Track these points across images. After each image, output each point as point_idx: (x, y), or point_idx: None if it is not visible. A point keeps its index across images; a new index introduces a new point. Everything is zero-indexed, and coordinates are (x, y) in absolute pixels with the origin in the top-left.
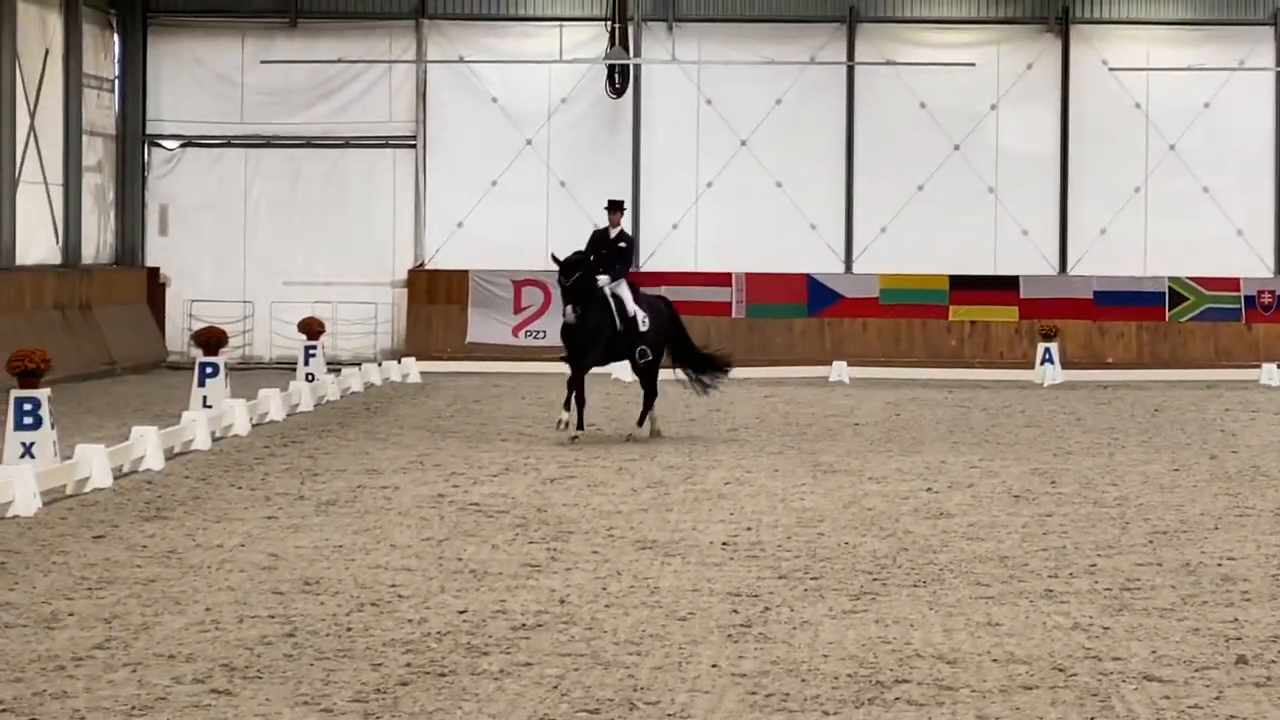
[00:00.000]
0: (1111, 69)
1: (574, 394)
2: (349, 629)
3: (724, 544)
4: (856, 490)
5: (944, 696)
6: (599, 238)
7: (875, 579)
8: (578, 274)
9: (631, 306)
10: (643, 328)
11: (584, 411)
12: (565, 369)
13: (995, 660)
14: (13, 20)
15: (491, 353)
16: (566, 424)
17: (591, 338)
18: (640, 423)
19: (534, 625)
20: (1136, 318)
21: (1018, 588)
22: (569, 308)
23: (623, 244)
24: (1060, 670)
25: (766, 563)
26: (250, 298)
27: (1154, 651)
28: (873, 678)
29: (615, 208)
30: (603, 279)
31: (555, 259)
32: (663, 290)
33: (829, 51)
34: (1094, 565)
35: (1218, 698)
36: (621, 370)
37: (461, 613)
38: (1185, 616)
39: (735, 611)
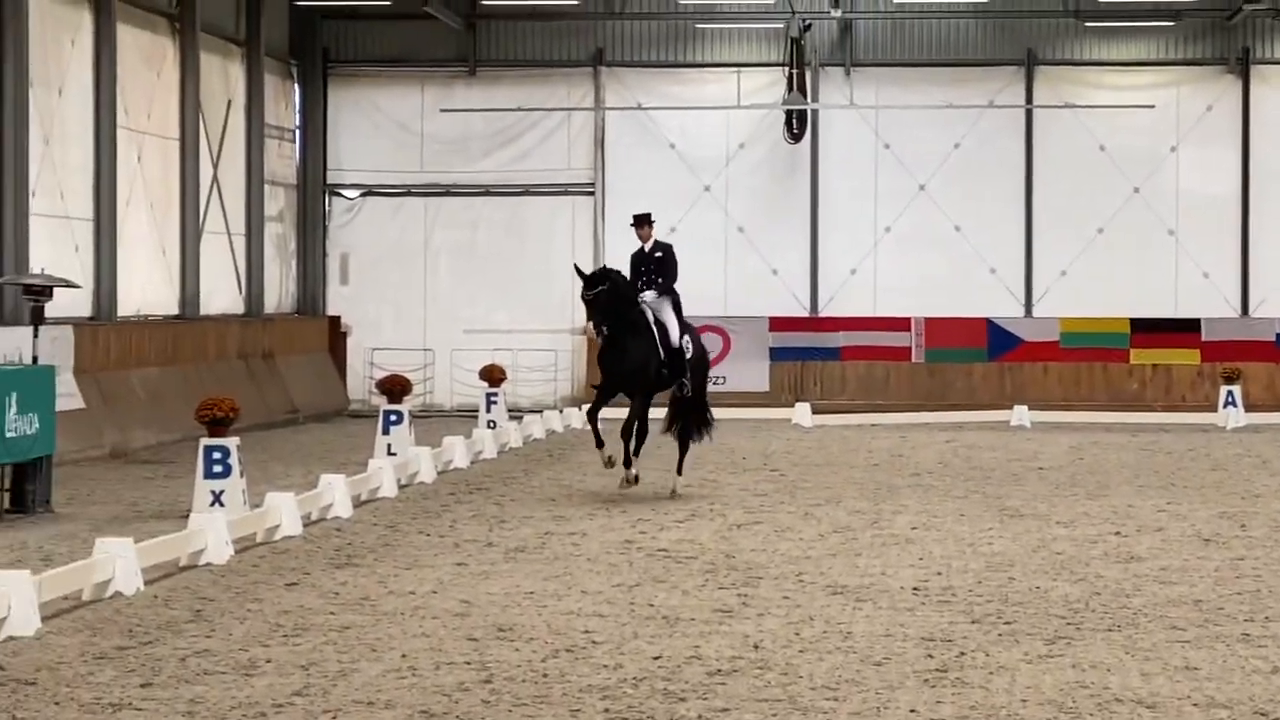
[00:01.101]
0: None
1: (596, 416)
2: (545, 675)
3: (915, 589)
4: (1044, 534)
5: None
6: (635, 259)
7: (1069, 623)
8: (600, 287)
9: (675, 334)
10: (687, 355)
11: (600, 432)
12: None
13: (1195, 704)
14: (195, 72)
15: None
16: (610, 460)
17: (635, 366)
18: (680, 470)
19: (729, 671)
20: None
21: (1214, 631)
22: (597, 325)
23: (659, 254)
24: (1263, 715)
25: (958, 607)
26: (430, 345)
27: None
28: None
29: (640, 222)
30: (648, 295)
31: (578, 270)
32: (840, 336)
33: (1007, 95)
34: None
35: None
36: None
37: (656, 658)
38: None
39: (930, 656)
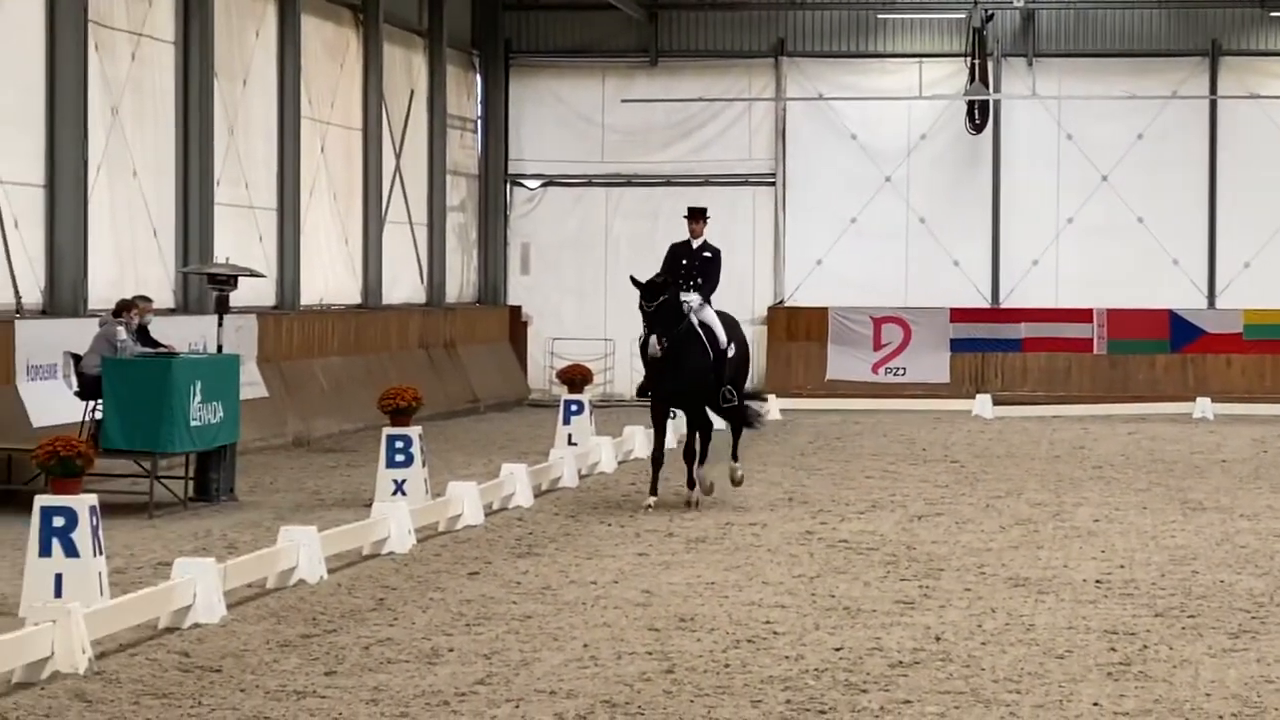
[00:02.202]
0: None
1: (662, 459)
2: (727, 665)
3: (1097, 582)
4: (1228, 527)
5: None
6: (678, 251)
7: (1254, 617)
8: (663, 297)
9: (723, 336)
10: (730, 356)
11: (660, 472)
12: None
13: None
14: (379, 63)
15: (851, 389)
16: (651, 507)
17: (693, 380)
18: (735, 456)
19: (911, 663)
20: None
21: None
22: (653, 338)
23: (708, 254)
24: None
25: (1141, 600)
26: (611, 335)
27: None
28: (1258, 716)
29: (696, 216)
30: (691, 297)
31: (635, 281)
32: (1021, 327)
33: (1191, 85)
34: None
35: None
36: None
37: (837, 649)
38: None
39: (1113, 649)
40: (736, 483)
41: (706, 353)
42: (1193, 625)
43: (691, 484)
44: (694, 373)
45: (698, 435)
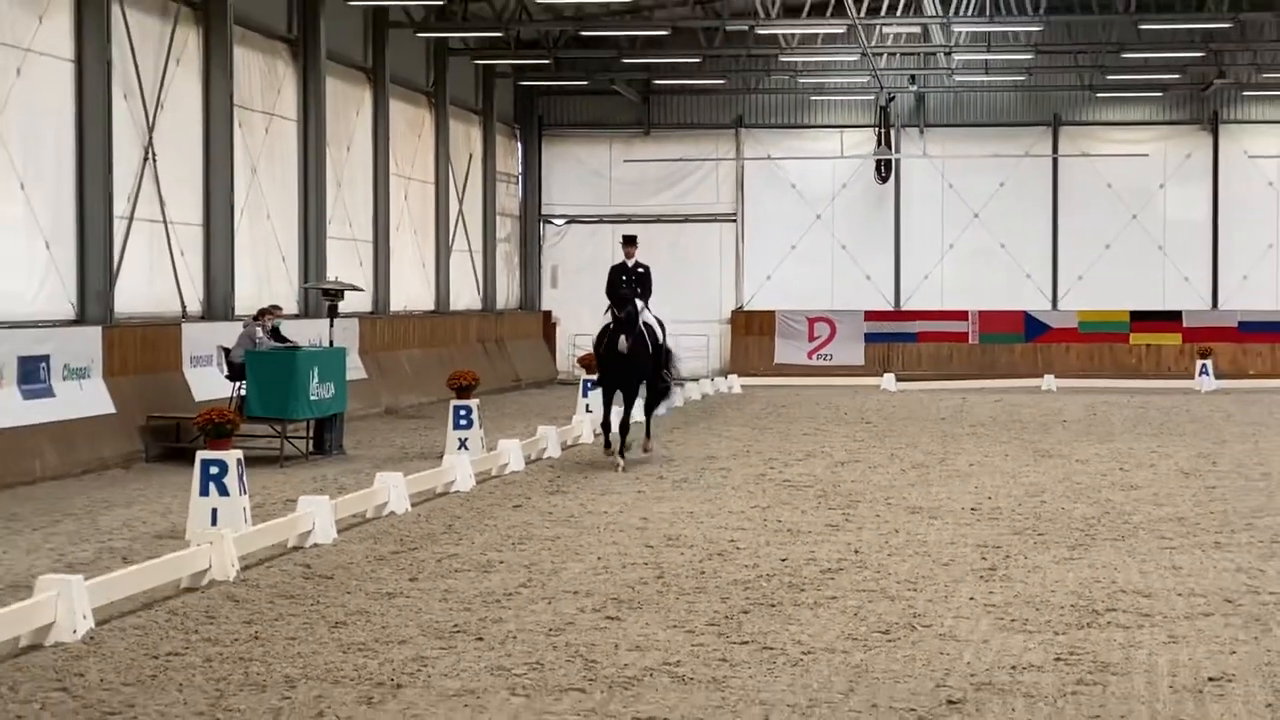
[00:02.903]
0: (1251, 156)
1: (610, 424)
2: (702, 572)
3: (972, 509)
4: (1067, 469)
5: (1143, 621)
6: (619, 270)
7: (1086, 534)
8: (629, 308)
9: (660, 334)
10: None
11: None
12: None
13: (1180, 594)
14: (446, 134)
15: (792, 371)
16: (620, 464)
17: (638, 370)
18: (648, 436)
19: (836, 569)
20: (1271, 340)
21: (1193, 540)
22: (622, 337)
23: (641, 270)
24: (1229, 601)
25: (1004, 523)
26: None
27: None
28: (1089, 607)
29: (630, 242)
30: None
31: (610, 295)
32: (916, 324)
33: (1039, 147)
34: (1249, 524)
35: None
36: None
37: (783, 560)
38: None
39: (984, 559)
40: (647, 450)
41: (647, 347)
42: (1042, 541)
43: (622, 451)
44: (643, 365)
45: (630, 410)
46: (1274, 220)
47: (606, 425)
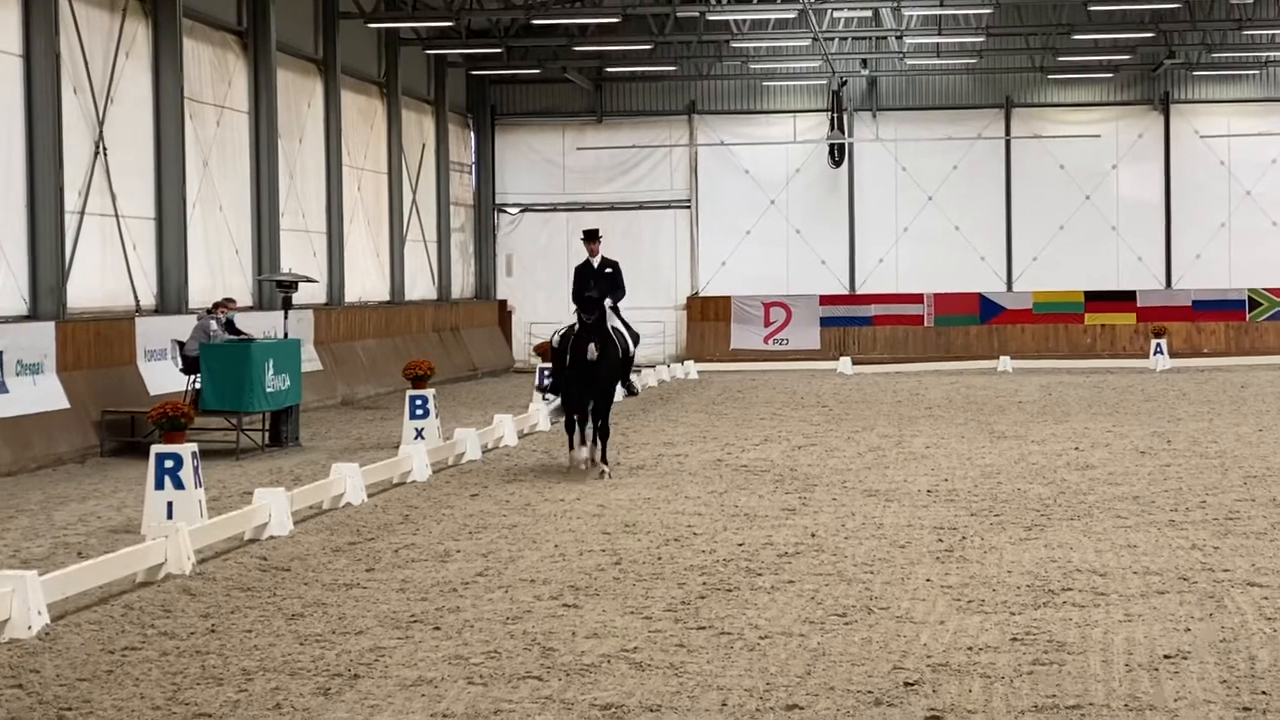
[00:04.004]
0: (1202, 136)
1: (579, 429)
2: (659, 558)
3: (928, 491)
4: (1023, 450)
5: (1098, 600)
6: (584, 272)
7: (1042, 515)
8: (598, 312)
9: (631, 345)
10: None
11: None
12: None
13: (1135, 573)
14: (398, 124)
15: (748, 356)
16: (585, 462)
17: (609, 376)
18: (604, 457)
19: (793, 553)
20: (1224, 319)
21: (1148, 519)
22: (592, 345)
23: (609, 270)
24: (1184, 579)
25: (960, 504)
26: (573, 319)
27: (1254, 564)
28: (1044, 586)
29: (591, 237)
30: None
31: (577, 299)
32: (872, 307)
33: (992, 129)
34: (1204, 501)
35: None
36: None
37: (740, 545)
38: (1275, 538)
39: (940, 540)
40: (602, 475)
41: (618, 351)
42: (998, 522)
43: (592, 461)
44: (611, 375)
45: (596, 423)
46: (1225, 199)
47: (573, 442)
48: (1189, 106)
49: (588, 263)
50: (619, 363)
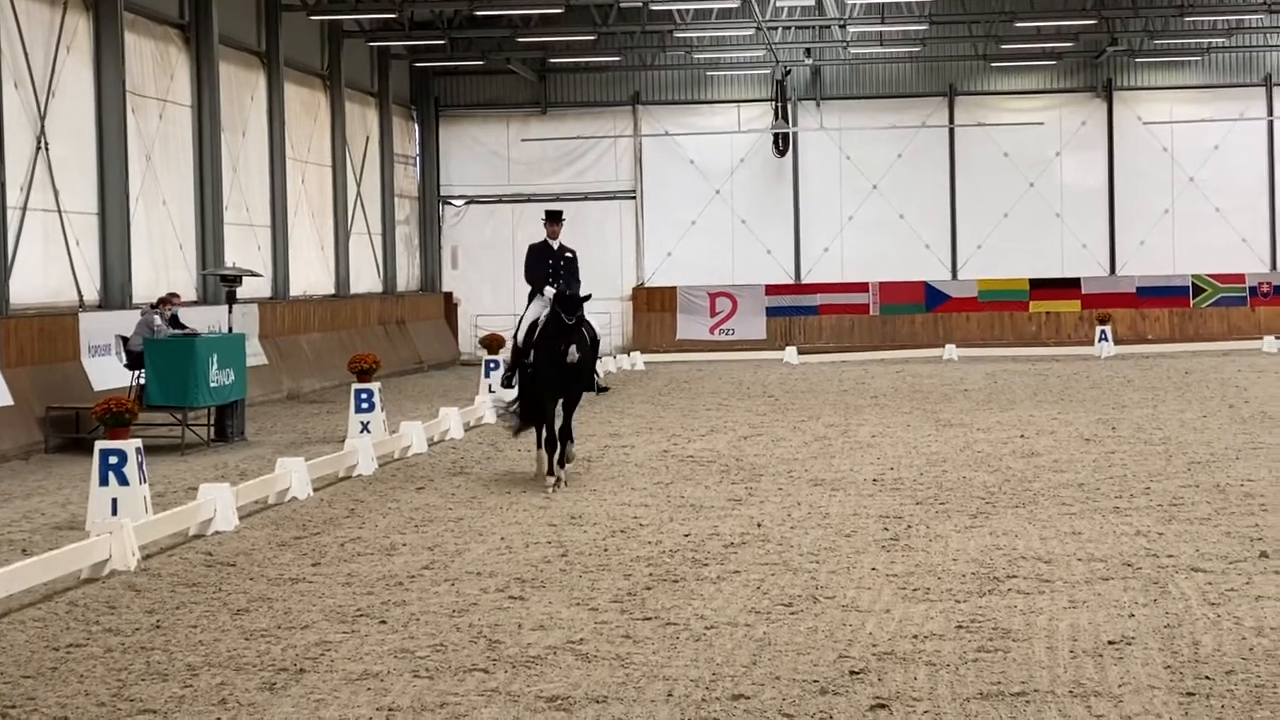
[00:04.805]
0: (1145, 123)
1: (548, 438)
2: (605, 549)
3: (874, 480)
4: (969, 438)
5: (1044, 587)
6: (542, 251)
7: (987, 503)
8: (579, 311)
9: (596, 334)
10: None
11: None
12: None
13: (1080, 559)
14: (342, 117)
15: (694, 346)
16: (557, 481)
17: (583, 378)
18: (563, 463)
19: (740, 543)
20: (1168, 305)
21: (1093, 506)
22: (573, 347)
23: (569, 254)
24: (1129, 565)
25: (906, 493)
26: (518, 311)
27: (1197, 550)
28: (990, 574)
29: (555, 218)
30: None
31: (559, 298)
32: (818, 297)
33: (935, 118)
34: (1148, 488)
35: (1247, 583)
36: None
37: (686, 535)
38: (1219, 524)
39: (886, 529)
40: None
41: (592, 352)
42: (943, 510)
43: (552, 470)
44: (585, 377)
45: (567, 424)
46: (1169, 186)
47: (542, 442)
48: (1132, 93)
49: (546, 244)
50: (591, 363)
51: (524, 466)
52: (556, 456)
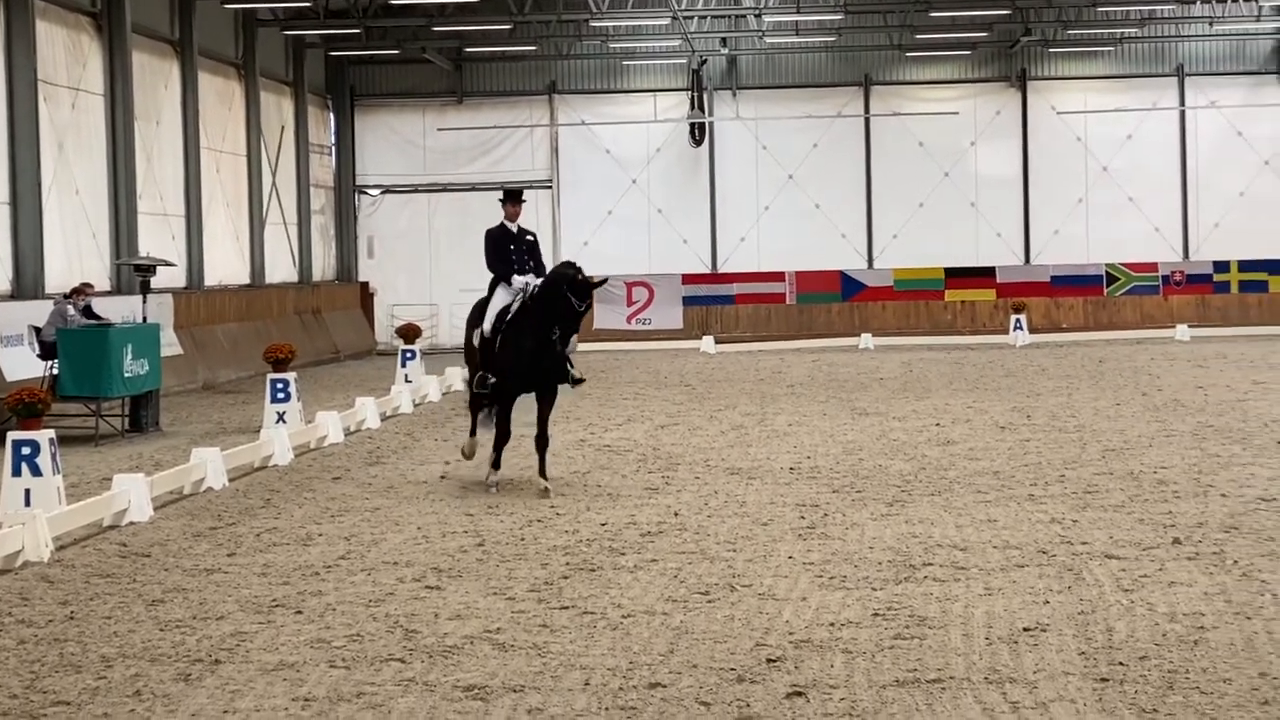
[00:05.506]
0: (1059, 113)
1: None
2: (523, 539)
3: (790, 469)
4: (884, 426)
5: (959, 574)
6: (502, 236)
7: (903, 491)
8: (589, 301)
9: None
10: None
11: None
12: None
13: (995, 547)
14: (257, 106)
15: (612, 335)
16: (494, 482)
17: (553, 368)
18: (544, 470)
19: (656, 532)
20: (1083, 294)
21: (1008, 494)
22: (574, 337)
23: (530, 238)
24: (1044, 553)
25: (823, 481)
26: (435, 301)
27: (1111, 537)
28: (906, 562)
29: (515, 199)
30: (532, 280)
31: (571, 282)
32: (734, 286)
33: (851, 107)
34: (1063, 475)
35: (1160, 569)
36: None
37: (603, 525)
38: (1132, 511)
39: (802, 517)
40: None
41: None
42: (859, 498)
43: (498, 465)
44: (560, 358)
45: (540, 429)
46: (1082, 175)
47: (502, 437)
48: (1046, 83)
49: (504, 228)
50: (564, 355)
51: (441, 455)
52: (538, 465)
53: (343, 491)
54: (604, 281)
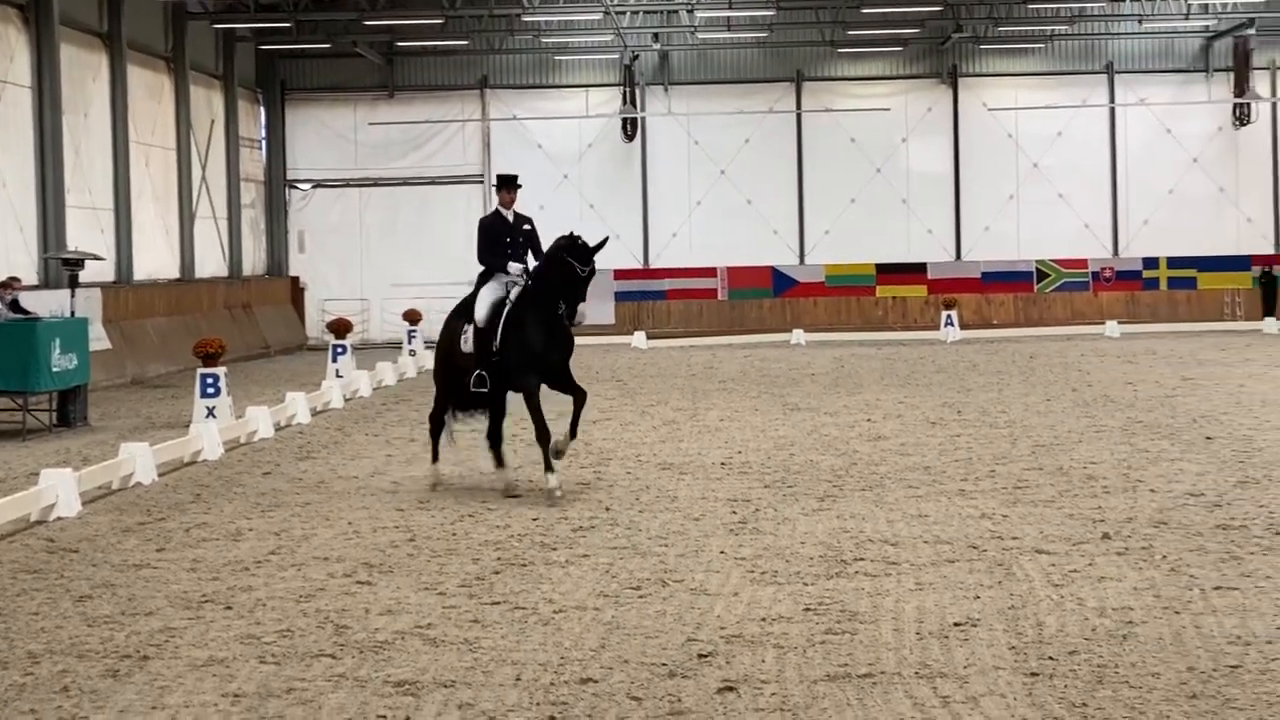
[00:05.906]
0: (990, 109)
1: (491, 429)
2: (453, 534)
3: (722, 464)
4: (816, 422)
5: (890, 569)
6: (497, 225)
7: (834, 486)
8: (592, 265)
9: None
10: None
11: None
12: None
13: (926, 542)
14: (186, 99)
15: None
16: (515, 482)
17: (564, 353)
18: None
19: (588, 527)
20: (1013, 290)
21: (939, 489)
22: (581, 306)
23: (527, 226)
24: (974, 548)
25: (754, 476)
26: (366, 296)
27: (1041, 532)
28: (837, 557)
29: (509, 185)
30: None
31: (573, 249)
32: (666, 282)
33: (783, 103)
34: (993, 471)
35: (1090, 564)
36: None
37: (535, 520)
38: (1062, 506)
39: (734, 512)
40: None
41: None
42: (791, 493)
43: (501, 463)
44: (570, 341)
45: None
46: (1013, 171)
47: (497, 436)
48: (976, 80)
49: (500, 216)
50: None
51: (368, 452)
52: (545, 452)
53: (273, 487)
54: (604, 242)
